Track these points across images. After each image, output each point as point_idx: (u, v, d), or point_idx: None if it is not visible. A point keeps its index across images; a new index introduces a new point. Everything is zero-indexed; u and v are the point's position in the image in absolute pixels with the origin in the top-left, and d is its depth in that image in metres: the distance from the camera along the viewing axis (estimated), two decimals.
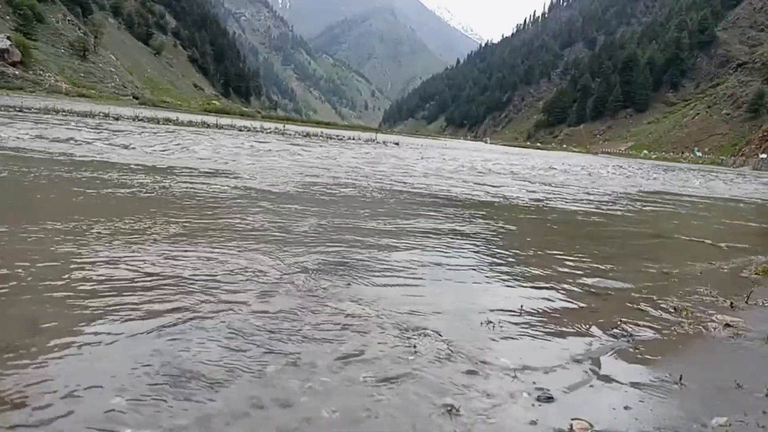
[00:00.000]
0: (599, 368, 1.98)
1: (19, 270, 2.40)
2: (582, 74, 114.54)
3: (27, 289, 2.20)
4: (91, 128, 14.33)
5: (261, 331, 2.01)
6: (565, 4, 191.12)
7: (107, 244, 2.97)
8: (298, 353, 1.85)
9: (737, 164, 53.97)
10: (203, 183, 6.06)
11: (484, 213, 6.09)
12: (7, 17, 54.48)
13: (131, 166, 7.01)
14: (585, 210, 7.27)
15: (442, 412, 1.56)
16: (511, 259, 3.72)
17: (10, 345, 1.72)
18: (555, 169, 19.17)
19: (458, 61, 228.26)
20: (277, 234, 3.74)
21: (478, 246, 4.09)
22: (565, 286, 3.09)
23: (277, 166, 9.31)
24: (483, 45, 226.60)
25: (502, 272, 3.32)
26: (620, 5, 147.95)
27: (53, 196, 4.44)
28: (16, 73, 47.68)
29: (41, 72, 51.40)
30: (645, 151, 73.08)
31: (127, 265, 2.63)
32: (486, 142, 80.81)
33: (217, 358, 1.76)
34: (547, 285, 3.09)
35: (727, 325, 2.56)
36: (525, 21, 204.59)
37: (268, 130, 26.01)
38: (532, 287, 3.03)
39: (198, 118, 30.24)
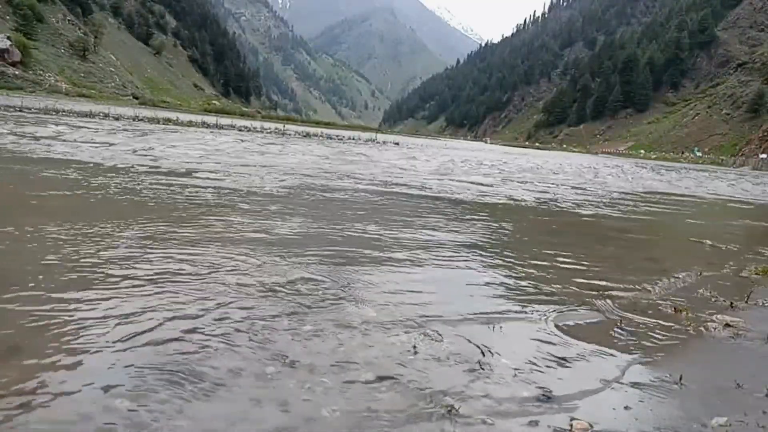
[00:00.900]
0: (599, 368, 1.98)
1: None
2: (582, 74, 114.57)
3: None
4: (131, 132, 14.32)
5: (261, 331, 2.01)
6: (565, 4, 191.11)
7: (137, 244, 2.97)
8: (299, 353, 1.86)
9: (737, 164, 53.99)
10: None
11: (484, 213, 6.09)
12: (7, 17, 54.50)
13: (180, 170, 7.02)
14: (585, 210, 7.27)
15: (443, 413, 1.56)
16: (510, 259, 3.72)
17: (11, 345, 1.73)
18: (554, 169, 19.17)
19: (458, 61, 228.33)
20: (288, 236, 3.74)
21: (478, 246, 4.09)
22: (565, 285, 3.09)
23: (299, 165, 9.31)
24: (483, 45, 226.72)
25: (502, 272, 3.32)
26: (620, 5, 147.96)
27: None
28: (16, 73, 47.69)
29: (41, 72, 51.41)
30: (642, 151, 73.06)
31: (152, 263, 2.64)
32: (486, 142, 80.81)
33: (217, 358, 1.77)
34: (547, 285, 3.08)
35: (727, 325, 2.56)
36: (525, 21, 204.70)
37: (269, 130, 26.02)
38: (531, 287, 3.03)
39: (198, 118, 30.28)
